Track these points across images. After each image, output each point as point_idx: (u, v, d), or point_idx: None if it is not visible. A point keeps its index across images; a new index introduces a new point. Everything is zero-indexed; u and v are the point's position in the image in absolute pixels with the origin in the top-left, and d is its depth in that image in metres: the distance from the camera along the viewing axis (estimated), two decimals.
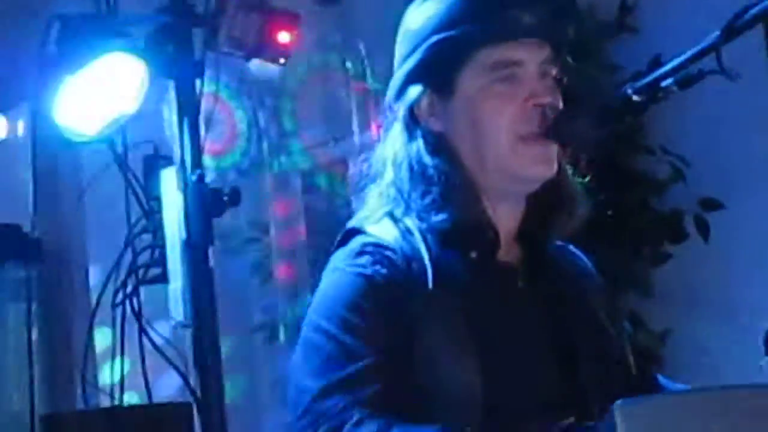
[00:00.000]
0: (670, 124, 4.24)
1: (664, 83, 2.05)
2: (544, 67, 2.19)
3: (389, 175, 2.25)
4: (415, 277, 2.14)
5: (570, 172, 2.27)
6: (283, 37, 3.10)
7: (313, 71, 4.25)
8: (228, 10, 3.03)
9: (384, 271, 2.15)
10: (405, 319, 2.11)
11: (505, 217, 2.23)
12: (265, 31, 3.06)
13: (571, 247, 2.37)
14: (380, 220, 2.24)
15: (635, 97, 2.06)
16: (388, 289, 2.13)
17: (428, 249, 2.16)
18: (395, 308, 2.11)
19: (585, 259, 2.38)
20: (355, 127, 4.34)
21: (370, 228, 2.23)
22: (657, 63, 4.15)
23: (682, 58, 2.02)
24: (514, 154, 2.17)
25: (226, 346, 3.98)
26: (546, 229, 2.26)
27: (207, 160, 3.72)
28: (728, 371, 3.94)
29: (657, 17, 4.43)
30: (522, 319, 2.20)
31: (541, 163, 2.18)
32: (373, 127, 4.00)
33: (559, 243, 2.33)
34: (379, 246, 2.18)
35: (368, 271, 2.15)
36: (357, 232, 2.23)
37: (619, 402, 1.48)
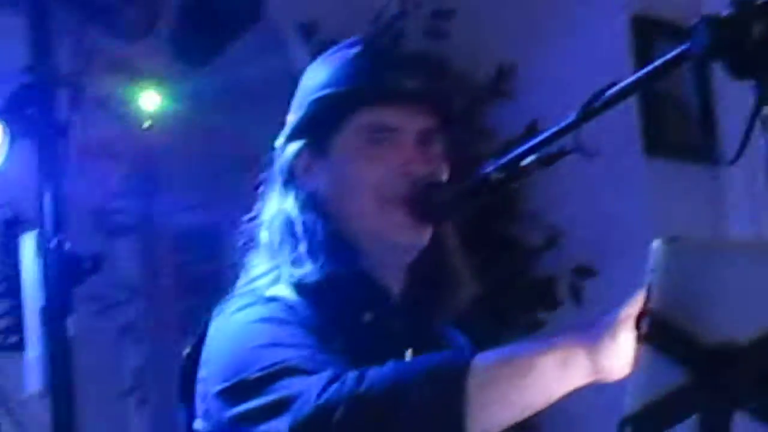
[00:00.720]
0: (544, 192, 4.27)
1: (524, 162, 2.01)
2: (424, 136, 2.14)
3: (264, 235, 2.20)
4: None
5: (458, 250, 2.23)
6: (149, 99, 3.07)
7: (188, 133, 4.20)
8: (93, 71, 2.98)
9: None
10: None
11: (389, 283, 2.19)
12: (130, 93, 3.03)
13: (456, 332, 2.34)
14: (267, 278, 2.17)
15: (495, 176, 2.02)
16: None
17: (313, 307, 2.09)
18: None
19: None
20: (230, 189, 4.31)
21: (260, 283, 2.16)
22: (533, 128, 4.22)
23: (542, 136, 1.97)
24: (380, 218, 2.12)
25: (97, 411, 3.89)
26: (430, 306, 2.22)
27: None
28: None
29: (534, 83, 4.46)
30: None
31: (408, 229, 2.12)
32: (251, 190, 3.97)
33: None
34: (282, 300, 2.11)
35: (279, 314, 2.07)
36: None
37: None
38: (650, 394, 1.56)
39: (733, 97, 4.40)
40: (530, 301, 4.26)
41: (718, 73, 1.57)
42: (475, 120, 4.37)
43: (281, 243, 2.16)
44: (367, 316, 2.13)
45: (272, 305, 2.09)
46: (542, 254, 4.30)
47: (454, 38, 4.46)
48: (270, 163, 2.25)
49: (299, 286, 2.12)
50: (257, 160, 2.27)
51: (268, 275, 2.17)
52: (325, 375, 1.85)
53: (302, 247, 2.13)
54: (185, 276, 4.54)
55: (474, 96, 4.42)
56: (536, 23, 4.63)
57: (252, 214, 2.24)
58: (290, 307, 2.08)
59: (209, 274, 4.36)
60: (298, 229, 2.14)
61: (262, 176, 2.26)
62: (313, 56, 2.48)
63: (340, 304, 2.12)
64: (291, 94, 2.27)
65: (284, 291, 2.13)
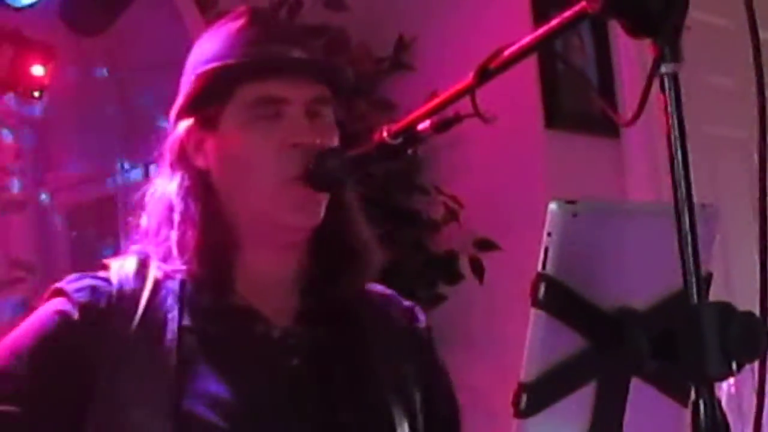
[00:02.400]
0: (444, 165, 4.26)
1: (420, 126, 1.98)
2: (313, 107, 2.11)
3: (144, 220, 2.16)
4: (124, 314, 2.05)
5: (362, 219, 2.20)
6: (37, 69, 3.01)
7: (80, 105, 4.14)
8: None
9: (84, 300, 2.06)
10: (88, 358, 2.01)
11: (273, 269, 2.15)
12: (17, 64, 2.97)
13: (398, 300, 2.32)
14: (128, 257, 2.15)
15: (390, 141, 1.99)
16: (84, 319, 2.04)
17: (156, 296, 2.07)
18: (83, 344, 2.03)
19: (399, 306, 2.32)
20: (124, 163, 4.27)
21: (111, 262, 2.13)
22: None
23: (437, 100, 1.94)
24: (274, 198, 2.08)
25: None
26: (335, 280, 2.17)
27: None
28: (497, 408, 3.95)
29: (434, 54, 4.45)
30: (270, 377, 2.09)
31: (299, 210, 2.09)
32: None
33: (382, 292, 2.29)
34: (94, 277, 2.10)
35: (69, 295, 2.07)
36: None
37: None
38: (547, 360, 1.54)
39: (632, 67, 4.48)
40: (432, 275, 4.25)
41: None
42: (376, 91, 4.34)
43: (157, 231, 2.13)
44: (210, 327, 2.09)
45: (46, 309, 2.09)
46: (443, 227, 4.28)
47: (354, 10, 4.42)
48: (162, 140, 2.20)
49: (166, 281, 2.10)
50: (149, 132, 2.23)
51: (129, 262, 2.13)
52: None
53: (174, 240, 2.09)
54: (79, 251, 4.48)
55: (375, 68, 4.40)
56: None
57: (140, 194, 2.19)
58: (98, 293, 2.06)
59: (105, 249, 4.33)
60: (177, 216, 2.10)
61: (155, 155, 2.22)
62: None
63: (195, 308, 2.09)
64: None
65: (131, 269, 2.10)
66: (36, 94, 2.98)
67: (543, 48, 1.77)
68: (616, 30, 3.63)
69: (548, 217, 1.53)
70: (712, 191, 5.06)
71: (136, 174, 4.08)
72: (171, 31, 3.66)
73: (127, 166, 4.23)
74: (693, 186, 1.48)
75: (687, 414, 1.51)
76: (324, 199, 2.10)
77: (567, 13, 1.64)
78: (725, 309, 1.44)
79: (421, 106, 4.03)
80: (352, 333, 2.16)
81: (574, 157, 4.47)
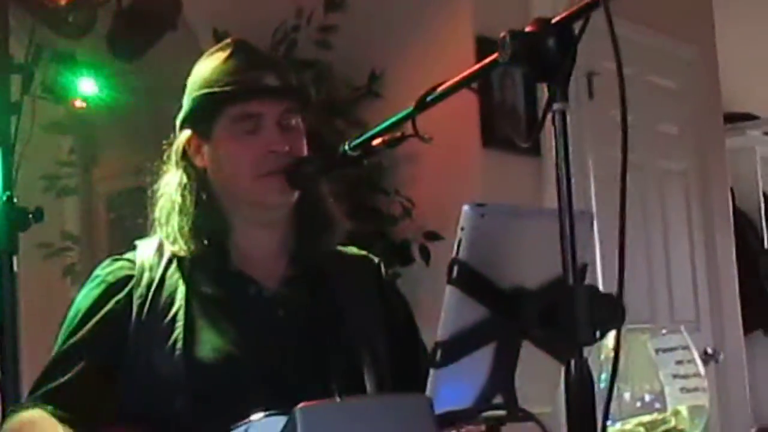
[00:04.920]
0: (403, 172, 4.28)
1: (374, 142, 2.04)
2: (283, 119, 2.17)
3: (156, 209, 2.21)
4: (142, 287, 2.12)
5: (327, 197, 2.26)
6: (88, 86, 3.04)
7: (119, 114, 4.13)
8: (42, 62, 2.92)
9: (114, 274, 2.15)
10: (121, 321, 2.09)
11: (261, 242, 2.21)
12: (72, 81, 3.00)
13: (347, 249, 2.35)
14: (152, 239, 2.21)
15: (351, 153, 2.05)
16: (114, 288, 2.12)
17: (167, 270, 2.14)
18: (115, 310, 2.11)
19: (362, 260, 2.36)
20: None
21: (139, 243, 2.22)
22: None
23: (386, 123, 2.02)
24: (253, 188, 2.15)
25: (42, 342, 3.81)
26: (312, 246, 2.23)
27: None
28: None
29: (399, 86, 4.43)
30: (261, 328, 2.13)
31: (276, 192, 2.15)
32: None
33: (345, 252, 2.32)
34: (122, 259, 2.19)
35: (102, 274, 2.16)
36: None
37: (300, 406, 1.43)
38: (457, 325, 1.59)
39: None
40: (390, 259, 4.26)
41: None
42: (352, 113, 4.35)
43: (166, 219, 2.18)
44: (211, 290, 2.14)
45: (90, 286, 2.17)
46: (400, 222, 4.30)
47: (337, 49, 4.45)
48: (170, 143, 2.26)
49: (176, 259, 2.16)
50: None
51: (152, 242, 2.20)
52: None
53: (176, 227, 2.15)
54: (116, 230, 4.49)
55: (352, 94, 4.42)
56: (402, 38, 4.62)
57: (155, 187, 2.25)
58: (123, 269, 2.15)
59: (135, 229, 4.33)
60: (177, 207, 2.17)
61: (165, 155, 2.27)
62: None
63: (198, 277, 2.15)
64: None
65: (151, 248, 2.18)
66: (84, 105, 3.01)
67: (465, 86, 1.81)
68: None
69: (462, 216, 1.57)
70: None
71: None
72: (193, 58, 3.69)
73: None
74: (573, 195, 1.52)
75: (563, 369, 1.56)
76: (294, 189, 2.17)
77: (483, 63, 1.68)
78: (592, 290, 1.48)
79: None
80: (327, 292, 2.21)
81: (504, 170, 4.48)
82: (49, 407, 2.02)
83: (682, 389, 2.40)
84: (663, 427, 1.88)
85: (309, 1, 4.44)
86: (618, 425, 2.47)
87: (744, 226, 6.50)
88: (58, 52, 2.99)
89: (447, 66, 4.44)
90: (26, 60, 2.86)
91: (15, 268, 2.82)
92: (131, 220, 4.40)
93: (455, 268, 1.56)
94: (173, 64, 3.40)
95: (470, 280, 1.57)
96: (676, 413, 2.06)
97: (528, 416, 1.60)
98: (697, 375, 2.66)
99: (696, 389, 2.62)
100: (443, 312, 1.58)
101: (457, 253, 1.56)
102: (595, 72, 4.60)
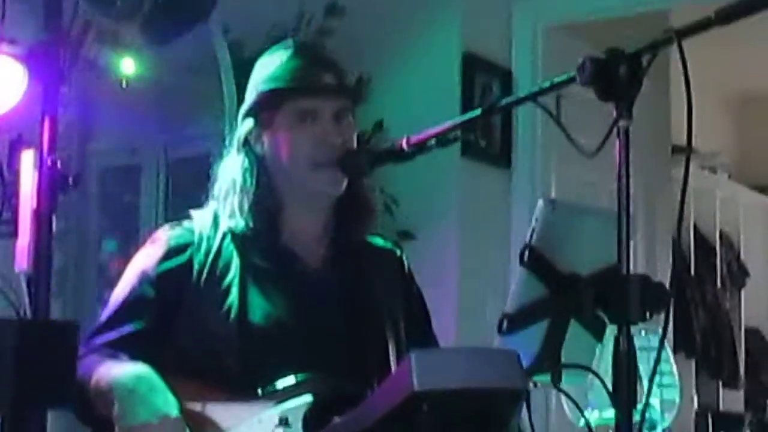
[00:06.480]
0: (389, 173, 4.46)
1: (429, 143, 2.25)
2: (338, 114, 2.38)
3: (217, 186, 2.42)
4: (201, 253, 2.33)
5: (369, 189, 2.48)
6: (128, 64, 3.22)
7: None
8: (88, 39, 3.10)
9: (176, 239, 2.35)
10: (181, 281, 2.30)
11: (308, 225, 2.41)
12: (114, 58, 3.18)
13: (380, 242, 2.56)
14: (206, 211, 2.42)
15: (406, 149, 2.27)
16: (176, 251, 2.33)
17: (223, 241, 2.34)
18: (178, 271, 2.31)
19: (389, 251, 2.57)
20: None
21: (194, 213, 2.42)
22: (380, 126, 4.42)
23: (446, 125, 2.21)
24: (309, 176, 2.36)
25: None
26: (350, 232, 2.44)
27: None
28: None
29: (383, 92, 4.61)
30: (305, 300, 2.33)
31: (328, 184, 2.37)
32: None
33: (374, 242, 2.53)
34: (182, 226, 2.38)
35: (164, 237, 2.36)
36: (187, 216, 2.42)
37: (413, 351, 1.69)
38: (523, 300, 1.85)
39: (526, 118, 4.77)
40: None
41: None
42: None
43: (225, 196, 2.39)
44: (262, 263, 2.34)
45: (153, 247, 2.37)
46: (379, 218, 4.47)
47: (330, 52, 4.61)
48: (232, 130, 2.47)
49: (231, 233, 2.36)
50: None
51: (207, 214, 2.40)
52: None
53: (236, 204, 2.36)
54: (108, 204, 4.60)
55: None
56: (387, 49, 4.82)
57: (215, 168, 2.45)
58: (186, 236, 2.34)
59: (126, 203, 4.49)
60: (238, 187, 2.37)
61: (227, 139, 2.47)
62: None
63: (252, 251, 2.34)
64: (211, 66, 2.38)
65: (208, 220, 2.37)
66: (125, 81, 3.19)
67: (533, 99, 2.01)
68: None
69: (537, 208, 1.83)
70: None
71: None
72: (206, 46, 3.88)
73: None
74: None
75: (598, 346, 1.83)
76: (345, 178, 2.39)
77: (559, 79, 1.90)
78: (644, 279, 1.73)
79: (370, 129, 4.22)
80: (361, 272, 2.43)
81: (480, 180, 4.73)
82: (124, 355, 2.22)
83: (657, 384, 2.71)
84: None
85: (311, 5, 4.63)
86: (596, 412, 2.76)
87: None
88: (102, 32, 3.16)
89: (432, 78, 4.70)
90: (74, 36, 3.03)
91: (53, 227, 2.99)
92: (124, 195, 4.54)
93: (527, 253, 1.82)
94: (193, 52, 3.60)
95: (537, 263, 1.82)
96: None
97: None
98: (670, 373, 2.95)
99: (669, 385, 2.92)
100: (513, 287, 1.84)
101: (530, 239, 1.82)
102: (563, 95, 4.87)
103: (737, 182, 7.81)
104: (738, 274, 7.59)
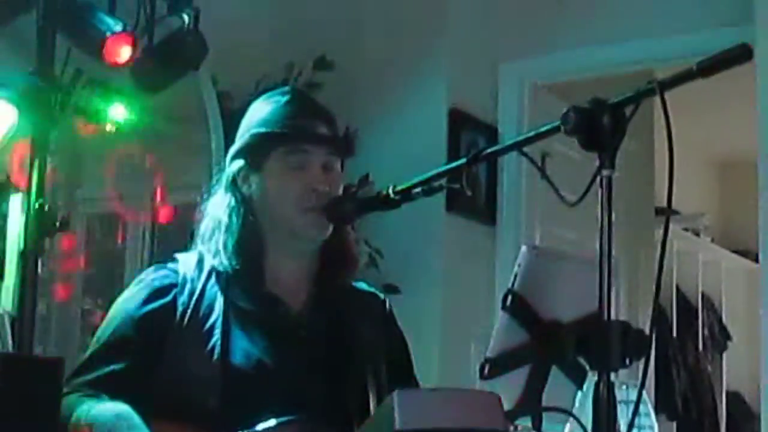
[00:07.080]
0: (373, 225, 4.49)
1: (414, 191, 2.26)
2: (327, 163, 2.40)
3: (202, 226, 2.43)
4: (185, 295, 2.33)
5: (352, 236, 2.49)
6: (117, 111, 3.25)
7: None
8: (78, 84, 3.12)
9: (161, 280, 2.35)
10: (164, 322, 2.29)
11: (292, 268, 2.42)
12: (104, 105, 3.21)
13: (363, 286, 2.57)
14: (191, 253, 2.42)
15: (393, 196, 2.27)
16: (160, 292, 2.33)
17: (207, 282, 2.35)
18: (161, 312, 2.30)
19: (372, 295, 2.57)
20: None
21: (180, 256, 2.42)
22: (366, 179, 4.43)
23: (431, 173, 2.23)
24: (295, 219, 2.37)
25: None
26: (334, 277, 2.45)
27: None
28: None
29: (369, 146, 4.68)
30: (287, 343, 2.34)
31: (314, 228, 2.38)
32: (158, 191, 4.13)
33: (357, 286, 2.54)
34: (166, 268, 2.38)
35: (148, 279, 2.36)
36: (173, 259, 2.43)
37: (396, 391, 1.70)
38: (504, 345, 1.86)
39: (512, 174, 4.81)
40: None
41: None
42: None
43: (211, 235, 2.40)
44: (246, 305, 2.34)
45: (137, 288, 2.37)
46: (365, 271, 4.48)
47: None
48: (221, 169, 2.48)
49: (215, 272, 2.37)
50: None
51: (192, 256, 2.41)
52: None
53: (221, 243, 2.37)
54: (91, 250, 4.60)
55: None
56: (375, 103, 4.87)
57: (202, 207, 2.46)
58: (169, 278, 2.34)
59: (111, 250, 4.47)
60: (223, 227, 2.38)
61: (215, 178, 2.49)
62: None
63: (235, 292, 2.35)
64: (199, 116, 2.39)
65: (193, 261, 2.37)
66: (113, 127, 3.21)
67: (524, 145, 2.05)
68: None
69: (520, 254, 1.85)
70: None
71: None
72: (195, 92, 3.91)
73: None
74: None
75: (578, 393, 1.84)
76: (331, 224, 2.40)
77: (546, 127, 1.92)
78: (625, 325, 1.75)
79: (356, 182, 4.24)
80: (343, 315, 2.43)
81: (465, 234, 4.75)
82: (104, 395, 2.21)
83: None
84: None
85: (300, 58, 4.68)
86: None
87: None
88: (93, 78, 3.18)
89: (419, 134, 4.74)
90: (65, 81, 3.05)
91: (39, 269, 3.00)
92: (107, 242, 4.54)
93: (509, 297, 1.84)
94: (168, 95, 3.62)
95: (519, 308, 1.84)
96: None
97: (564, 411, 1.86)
98: (650, 427, 2.95)
99: None
100: (494, 332, 1.85)
101: (513, 284, 1.84)
102: (548, 153, 4.93)
103: (720, 245, 7.85)
104: (720, 338, 7.61)
